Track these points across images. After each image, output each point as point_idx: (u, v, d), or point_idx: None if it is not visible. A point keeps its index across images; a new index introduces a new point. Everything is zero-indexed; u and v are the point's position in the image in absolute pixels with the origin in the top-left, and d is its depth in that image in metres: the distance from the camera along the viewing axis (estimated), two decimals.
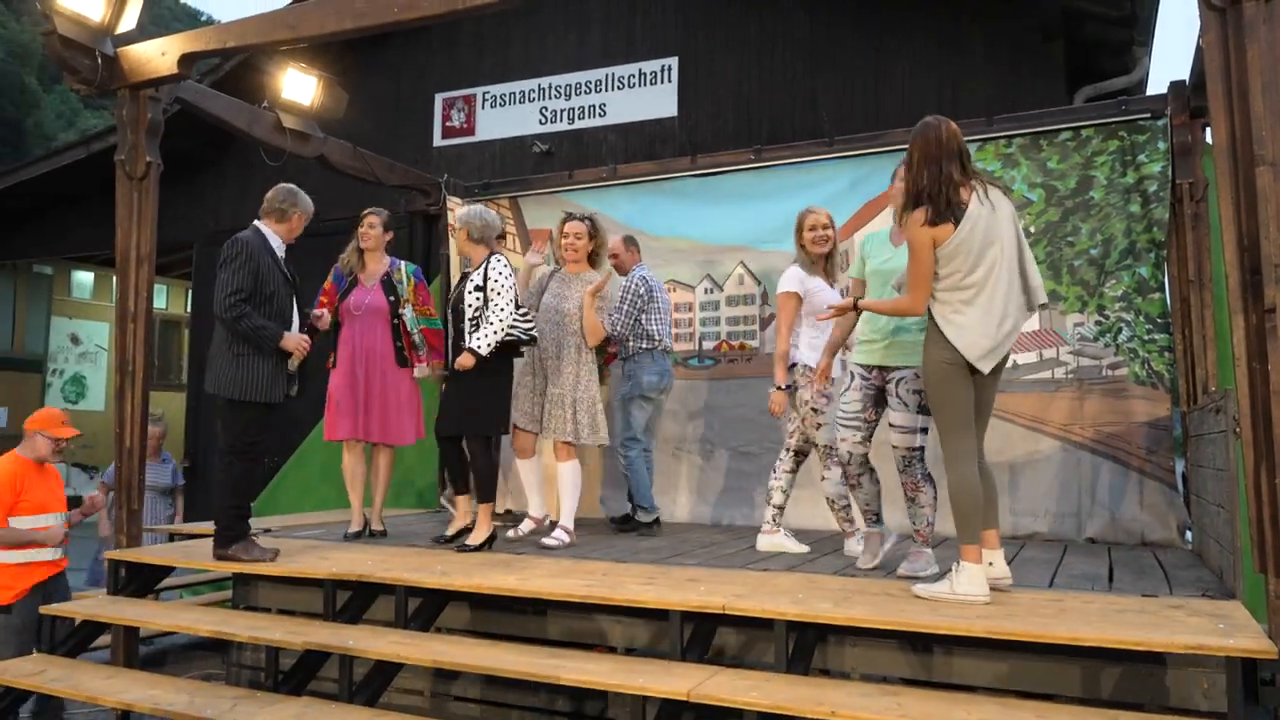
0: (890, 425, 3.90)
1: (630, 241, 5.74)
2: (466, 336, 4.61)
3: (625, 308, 5.44)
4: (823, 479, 4.43)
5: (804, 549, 4.58)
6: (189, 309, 14.18)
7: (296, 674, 3.87)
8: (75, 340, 13.95)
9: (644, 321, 5.47)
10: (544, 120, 8.71)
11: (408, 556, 4.49)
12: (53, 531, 4.80)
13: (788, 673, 3.23)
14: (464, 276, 4.79)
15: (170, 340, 14.95)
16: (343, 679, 3.73)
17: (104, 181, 5.43)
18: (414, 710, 3.93)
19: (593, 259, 5.14)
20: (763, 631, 3.41)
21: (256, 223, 4.45)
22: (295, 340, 4.34)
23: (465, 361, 4.55)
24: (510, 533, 5.09)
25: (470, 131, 9.10)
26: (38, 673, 4.17)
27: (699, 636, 3.47)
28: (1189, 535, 4.87)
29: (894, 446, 3.86)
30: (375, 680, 3.73)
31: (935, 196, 3.35)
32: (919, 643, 3.26)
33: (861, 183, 5.91)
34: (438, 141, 9.16)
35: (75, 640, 4.49)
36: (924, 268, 3.38)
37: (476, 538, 4.62)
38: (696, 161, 6.61)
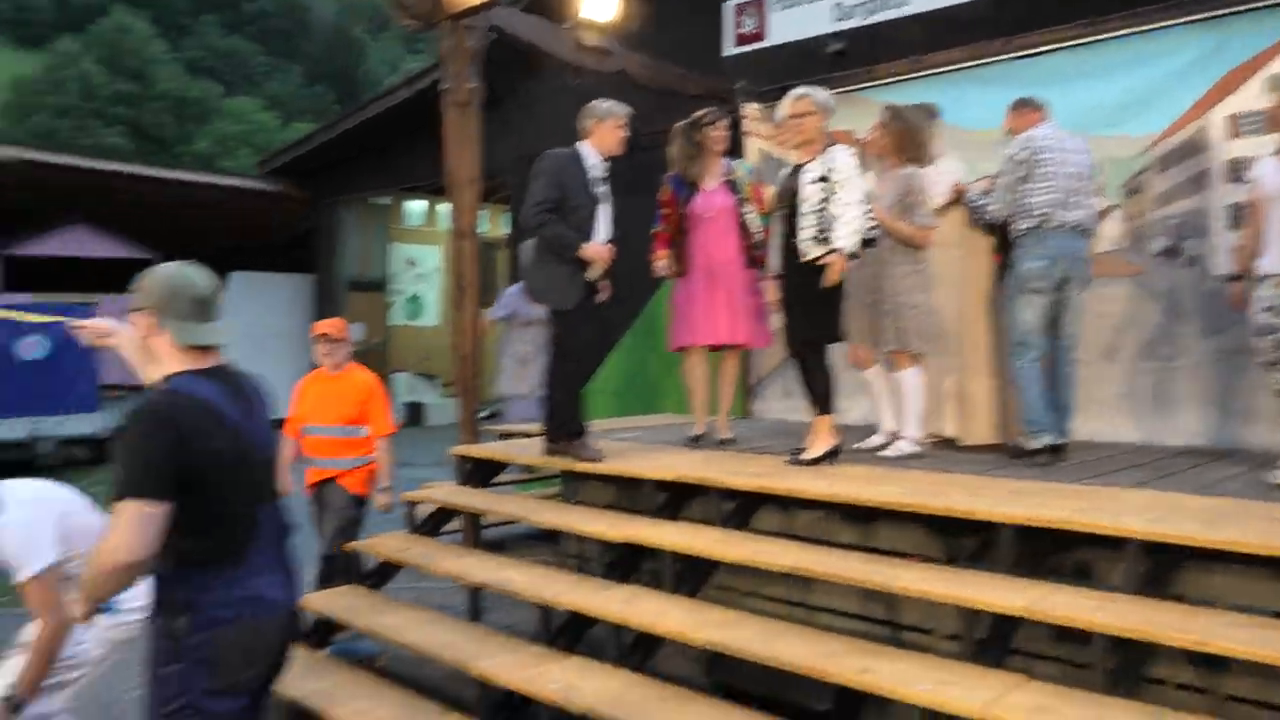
0: None
1: (1022, 104, 4.69)
2: (798, 234, 4.22)
3: (1001, 181, 4.47)
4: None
5: None
6: (507, 231, 15.31)
7: (621, 565, 4.12)
8: (411, 263, 15.60)
9: (1023, 193, 4.37)
10: (839, 17, 8.30)
11: (724, 461, 4.58)
12: (320, 440, 4.95)
13: (1139, 595, 2.95)
14: (796, 169, 4.37)
15: (489, 261, 16.27)
16: (664, 572, 3.92)
17: (428, 116, 5.84)
18: (729, 604, 4.06)
19: (905, 151, 4.70)
20: (1106, 552, 3.13)
21: (577, 143, 4.60)
22: (595, 249, 4.44)
23: (836, 268, 4.11)
24: (860, 444, 4.83)
25: (761, 37, 8.88)
26: (404, 549, 4.79)
27: (1030, 554, 3.25)
28: None
29: None
30: (694, 575, 3.88)
31: None
32: None
33: (1223, 47, 5.06)
34: (729, 50, 9.03)
35: (433, 523, 5.11)
36: None
37: (811, 452, 4.31)
38: (1012, 43, 5.98)
